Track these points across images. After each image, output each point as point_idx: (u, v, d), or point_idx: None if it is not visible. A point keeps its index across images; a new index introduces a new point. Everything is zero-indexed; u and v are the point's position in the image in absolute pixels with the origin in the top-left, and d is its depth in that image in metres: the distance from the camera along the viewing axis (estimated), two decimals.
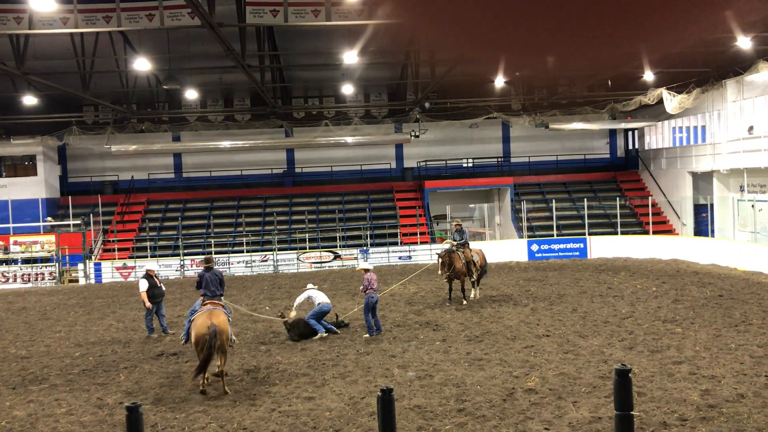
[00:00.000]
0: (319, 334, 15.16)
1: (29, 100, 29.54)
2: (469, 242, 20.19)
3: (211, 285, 12.07)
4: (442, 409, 9.91)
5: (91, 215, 32.49)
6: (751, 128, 26.33)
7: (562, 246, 30.08)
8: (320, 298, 15.67)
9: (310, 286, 16.42)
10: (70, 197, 33.97)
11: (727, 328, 14.55)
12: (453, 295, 19.36)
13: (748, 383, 10.50)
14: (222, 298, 12.27)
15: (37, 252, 30.88)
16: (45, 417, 10.45)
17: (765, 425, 8.71)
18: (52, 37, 24.42)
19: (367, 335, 15.18)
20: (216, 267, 12.54)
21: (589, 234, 30.73)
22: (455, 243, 19.25)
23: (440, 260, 18.75)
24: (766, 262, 22.80)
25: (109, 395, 11.53)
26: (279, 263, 29.99)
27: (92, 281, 29.23)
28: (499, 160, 36.95)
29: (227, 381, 11.54)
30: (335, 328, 15.77)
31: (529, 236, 31.43)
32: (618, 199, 32.52)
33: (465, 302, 18.85)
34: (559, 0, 1.33)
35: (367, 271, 15.68)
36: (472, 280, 19.64)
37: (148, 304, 16.20)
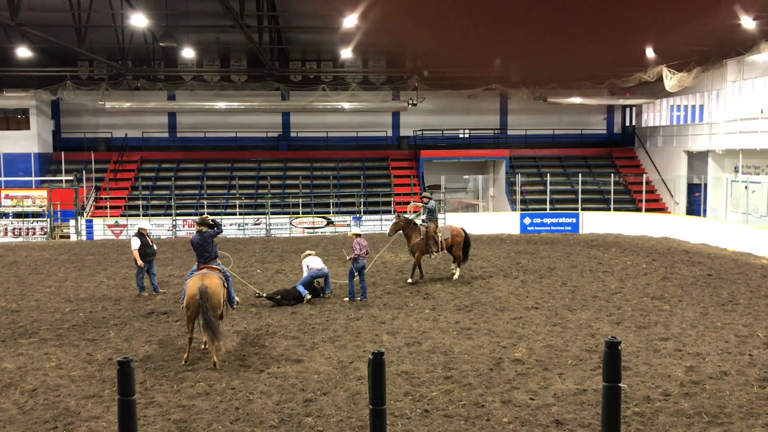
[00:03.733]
0: (304, 297, 15.26)
1: (23, 52, 29.09)
2: (438, 218, 18.77)
3: (203, 249, 11.64)
4: (430, 376, 10.01)
5: (84, 172, 32.28)
6: (762, 111, 26.15)
7: (554, 220, 30.17)
8: (313, 263, 15.74)
9: (308, 251, 16.46)
10: (62, 153, 33.71)
11: (714, 306, 14.69)
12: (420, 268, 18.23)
13: (731, 361, 10.65)
14: (218, 260, 11.86)
15: (28, 207, 30.74)
16: (34, 370, 10.51)
17: (746, 402, 8.85)
18: None
19: (347, 299, 15.48)
20: (207, 230, 12.02)
21: (582, 209, 30.79)
22: (419, 207, 18.16)
23: (395, 221, 17.70)
24: (756, 243, 22.95)
25: (98, 351, 11.58)
26: (271, 227, 29.98)
27: (84, 238, 29.18)
28: (496, 132, 36.82)
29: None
30: (329, 289, 15.95)
31: (522, 209, 31.48)
32: (612, 175, 32.53)
33: (410, 280, 17.71)
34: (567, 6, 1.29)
35: (358, 236, 15.80)
36: (432, 256, 18.27)
37: (140, 262, 16.19)
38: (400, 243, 24.42)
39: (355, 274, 15.64)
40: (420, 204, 18.50)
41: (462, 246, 18.46)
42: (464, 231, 18.70)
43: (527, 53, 1.50)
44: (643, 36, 1.44)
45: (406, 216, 18.07)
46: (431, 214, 18.18)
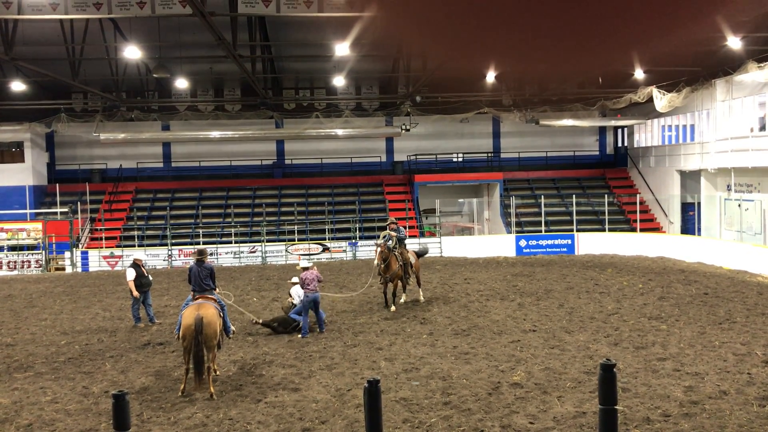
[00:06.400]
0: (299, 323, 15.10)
1: (17, 86, 29.25)
2: (407, 243, 18.67)
3: (201, 280, 11.59)
4: (428, 402, 9.95)
5: (79, 203, 32.29)
6: (752, 129, 26.41)
7: (550, 242, 30.21)
8: (299, 294, 15.62)
9: (294, 279, 16.35)
10: (57, 185, 33.74)
11: (712, 325, 14.68)
12: (389, 297, 17.77)
13: (730, 380, 10.61)
14: (215, 291, 11.83)
15: (23, 239, 30.66)
16: (30, 405, 10.41)
17: (746, 422, 8.81)
18: (41, 23, 24.21)
19: (300, 336, 14.50)
20: (207, 261, 12.12)
21: (577, 230, 30.86)
22: (394, 235, 17.69)
23: (378, 249, 17.15)
24: (751, 261, 23.00)
25: (94, 384, 11.49)
26: (267, 254, 29.94)
27: (79, 269, 29.08)
28: (489, 155, 37.01)
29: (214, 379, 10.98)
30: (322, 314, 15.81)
31: (517, 232, 31.54)
32: (606, 196, 32.66)
33: (393, 308, 17.29)
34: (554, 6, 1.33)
35: (305, 269, 14.96)
36: (409, 282, 18.07)
37: (135, 293, 16.13)
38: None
39: (309, 309, 14.80)
40: (394, 234, 17.91)
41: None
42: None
43: (520, 54, 1.54)
44: (628, 44, 1.47)
45: (388, 244, 17.47)
46: (401, 241, 17.99)
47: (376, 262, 17.35)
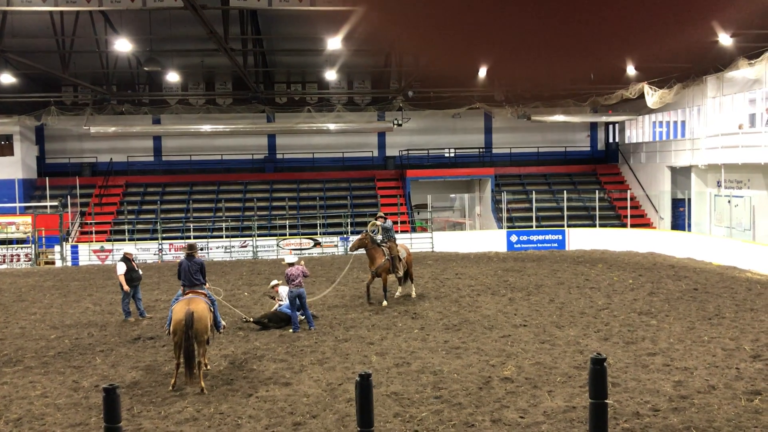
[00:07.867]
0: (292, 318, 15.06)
1: (6, 78, 29.00)
2: (396, 237, 18.55)
3: (191, 275, 11.56)
4: (419, 397, 9.98)
5: (69, 197, 32.11)
6: (741, 126, 26.54)
7: (540, 237, 30.29)
8: (284, 295, 15.60)
9: (274, 282, 16.29)
10: (47, 178, 33.52)
11: (701, 321, 14.78)
12: (372, 294, 17.68)
13: (719, 375, 10.69)
14: (205, 286, 11.78)
15: (12, 233, 30.47)
16: (19, 399, 10.37)
17: (735, 416, 8.88)
18: (31, 15, 24.03)
19: (291, 330, 14.55)
20: (198, 255, 12.05)
21: (568, 226, 30.96)
22: (378, 225, 17.77)
23: (360, 237, 17.30)
24: (740, 257, 23.14)
25: (84, 378, 11.45)
26: (258, 249, 29.89)
27: (69, 263, 28.93)
28: (481, 150, 37.04)
29: (204, 373, 10.95)
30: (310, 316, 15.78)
31: (508, 227, 31.59)
32: (597, 191, 32.77)
33: (385, 303, 17.25)
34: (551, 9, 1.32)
35: (291, 265, 14.94)
36: (399, 276, 18.03)
37: (126, 287, 16.07)
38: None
39: (297, 303, 14.79)
40: (378, 224, 18.03)
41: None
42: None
43: (513, 58, 1.54)
44: (624, 49, 1.47)
45: (372, 235, 17.56)
46: (388, 233, 18.00)
47: (350, 247, 17.63)
